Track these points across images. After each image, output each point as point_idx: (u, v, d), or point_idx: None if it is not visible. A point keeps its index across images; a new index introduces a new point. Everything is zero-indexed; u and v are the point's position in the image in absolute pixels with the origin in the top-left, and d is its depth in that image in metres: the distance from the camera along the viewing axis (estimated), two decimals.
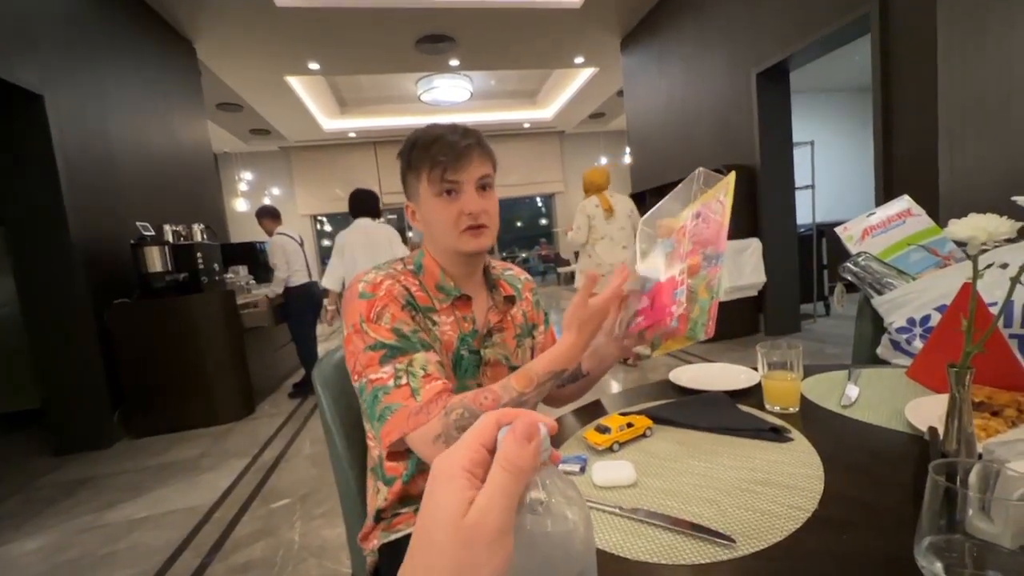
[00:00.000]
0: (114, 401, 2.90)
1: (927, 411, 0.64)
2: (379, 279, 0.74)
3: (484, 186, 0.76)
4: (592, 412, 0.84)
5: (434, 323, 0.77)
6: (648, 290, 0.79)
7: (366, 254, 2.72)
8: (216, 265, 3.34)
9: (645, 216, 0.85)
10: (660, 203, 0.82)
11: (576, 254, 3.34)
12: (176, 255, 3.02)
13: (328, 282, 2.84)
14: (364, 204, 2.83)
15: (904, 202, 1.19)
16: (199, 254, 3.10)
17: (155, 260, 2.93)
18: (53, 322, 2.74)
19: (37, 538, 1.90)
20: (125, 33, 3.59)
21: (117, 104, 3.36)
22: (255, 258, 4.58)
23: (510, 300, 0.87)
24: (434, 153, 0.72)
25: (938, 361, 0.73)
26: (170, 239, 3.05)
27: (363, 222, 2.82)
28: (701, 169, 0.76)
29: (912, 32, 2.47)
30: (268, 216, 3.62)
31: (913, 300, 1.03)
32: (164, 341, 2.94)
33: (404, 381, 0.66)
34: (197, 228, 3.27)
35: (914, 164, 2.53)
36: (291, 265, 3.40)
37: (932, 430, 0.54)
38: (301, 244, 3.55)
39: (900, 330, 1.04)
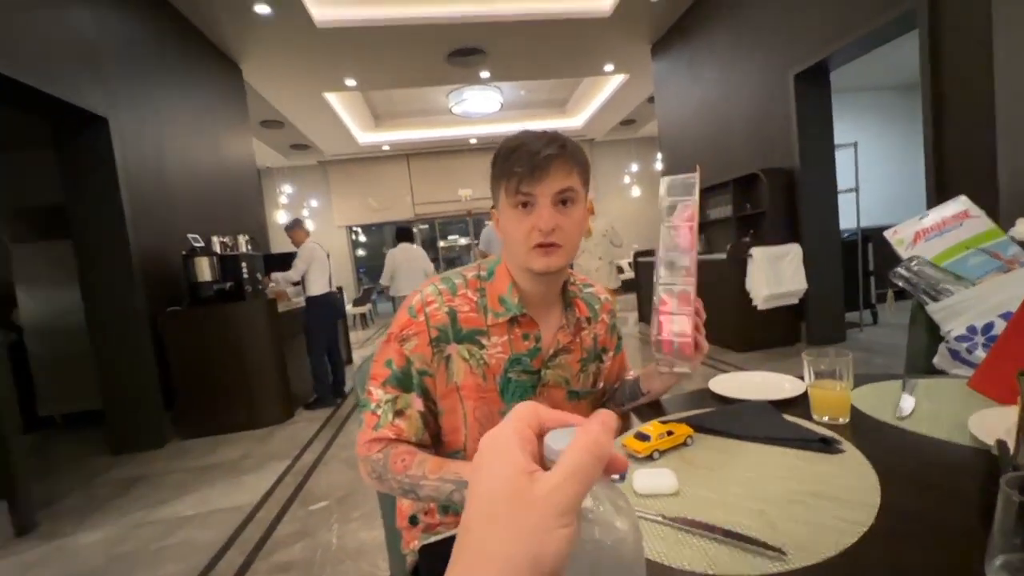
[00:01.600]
0: (166, 404, 3.06)
1: (993, 423, 0.60)
2: (431, 299, 0.74)
3: (564, 200, 0.71)
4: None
5: (482, 347, 0.75)
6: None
7: (407, 265, 4.24)
8: (259, 274, 3.49)
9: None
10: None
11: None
12: (223, 265, 3.18)
13: (385, 281, 4.30)
14: (406, 234, 4.43)
15: (961, 203, 1.12)
16: (244, 264, 3.25)
17: (204, 270, 3.09)
18: (114, 329, 2.92)
19: (97, 531, 2.02)
20: (179, 58, 3.84)
21: (171, 125, 3.59)
22: None
23: (585, 321, 0.83)
24: (512, 163, 0.70)
25: (1005, 370, 0.69)
26: (218, 250, 3.22)
27: (405, 244, 4.34)
28: (664, 177, 0.75)
29: (963, 24, 2.35)
30: (300, 228, 3.74)
31: (974, 307, 0.97)
32: (211, 347, 3.09)
33: (380, 411, 0.73)
34: (242, 239, 3.43)
35: (969, 163, 2.38)
36: (313, 272, 3.52)
37: (1001, 443, 0.50)
38: (327, 256, 3.70)
39: (960, 338, 0.98)
